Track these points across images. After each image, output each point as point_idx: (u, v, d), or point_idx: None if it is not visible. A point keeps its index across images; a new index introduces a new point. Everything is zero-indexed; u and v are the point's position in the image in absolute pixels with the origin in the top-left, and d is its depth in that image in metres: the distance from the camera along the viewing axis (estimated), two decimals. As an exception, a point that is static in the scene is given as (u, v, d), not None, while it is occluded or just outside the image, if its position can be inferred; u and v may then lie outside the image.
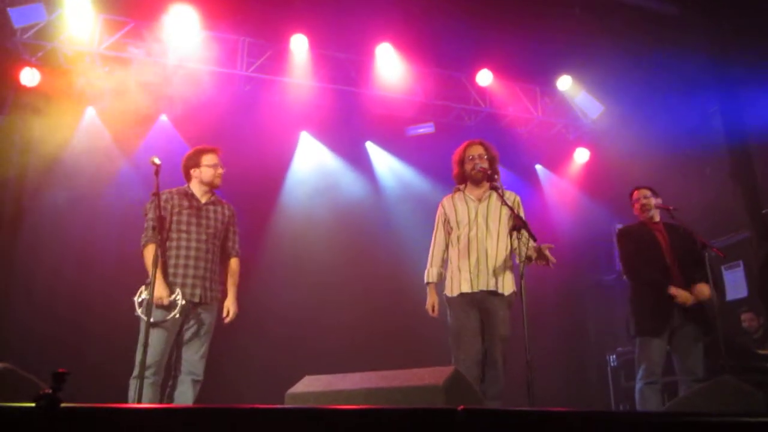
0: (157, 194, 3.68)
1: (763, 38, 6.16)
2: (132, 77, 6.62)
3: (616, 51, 6.82)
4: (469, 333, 3.65)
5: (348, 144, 7.77)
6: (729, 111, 6.70)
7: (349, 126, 7.60)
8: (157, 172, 3.66)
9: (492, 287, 3.70)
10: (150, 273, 3.55)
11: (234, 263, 4.09)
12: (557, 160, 8.41)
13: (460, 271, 3.78)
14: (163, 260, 3.73)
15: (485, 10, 6.62)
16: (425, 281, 3.91)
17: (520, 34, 6.91)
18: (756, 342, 5.83)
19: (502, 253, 3.79)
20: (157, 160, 3.65)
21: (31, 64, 6.28)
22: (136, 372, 3.52)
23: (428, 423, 1.35)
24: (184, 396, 3.62)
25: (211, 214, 3.94)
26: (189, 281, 3.73)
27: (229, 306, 3.90)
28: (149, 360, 3.51)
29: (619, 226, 5.28)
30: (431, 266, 3.92)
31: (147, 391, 3.49)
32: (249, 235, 6.89)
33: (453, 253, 3.88)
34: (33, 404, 1.13)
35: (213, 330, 3.88)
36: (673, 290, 4.12)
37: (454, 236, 3.89)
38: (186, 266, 3.77)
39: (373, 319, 6.77)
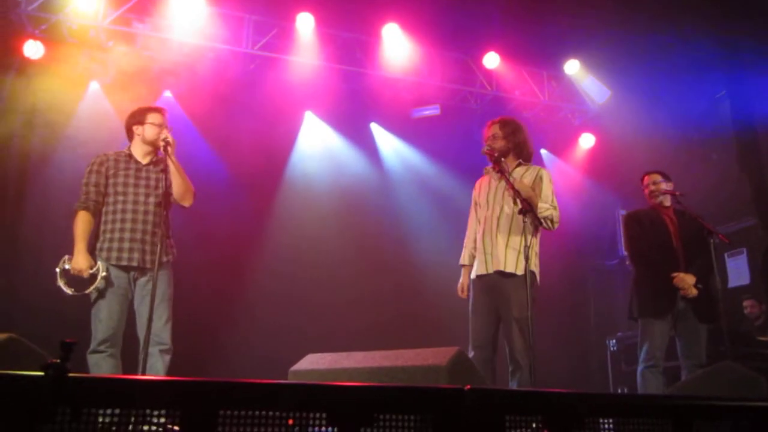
0: (165, 170, 3.62)
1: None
2: (136, 52, 6.57)
3: (623, 35, 6.75)
4: (476, 320, 3.70)
5: (353, 125, 7.73)
6: (737, 96, 6.65)
7: (354, 106, 7.55)
8: (165, 148, 3.64)
9: (503, 267, 3.64)
10: (75, 241, 3.49)
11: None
12: (562, 145, 8.36)
13: (478, 253, 3.81)
14: (97, 227, 3.61)
15: (493, -9, 6.54)
16: (460, 263, 3.98)
17: (527, 17, 6.82)
18: (758, 329, 5.85)
19: (516, 234, 3.66)
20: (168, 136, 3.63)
21: (35, 37, 6.22)
22: (93, 345, 3.46)
23: (436, 401, 1.35)
24: (154, 369, 3.45)
25: (153, 175, 3.71)
26: (126, 245, 3.55)
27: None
28: (103, 333, 3.44)
29: (623, 212, 5.27)
30: (465, 248, 3.98)
31: (107, 364, 3.42)
32: (253, 214, 6.93)
33: (478, 235, 3.87)
34: (41, 373, 1.14)
35: (173, 295, 3.69)
36: (679, 278, 4.13)
37: (478, 216, 3.92)
38: (122, 230, 3.58)
39: (378, 300, 6.79)
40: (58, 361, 1.16)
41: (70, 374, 1.15)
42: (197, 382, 1.21)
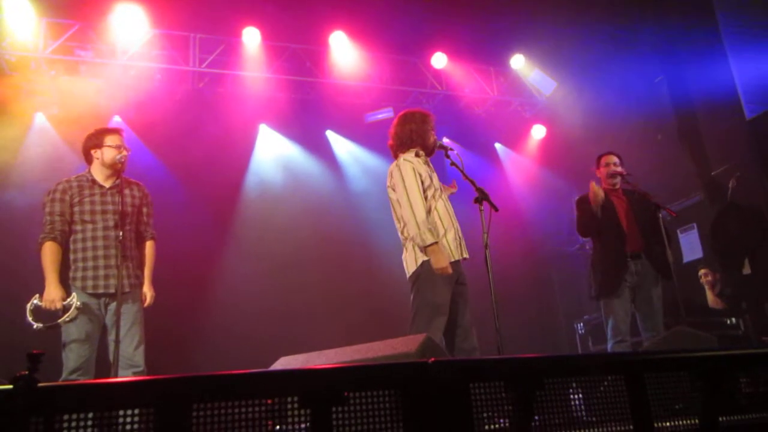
0: (121, 190, 3.63)
1: (700, 6, 6.40)
2: (81, 80, 6.48)
3: (564, 27, 6.98)
4: (443, 311, 3.40)
5: (308, 133, 7.78)
6: (674, 79, 6.94)
7: (307, 115, 7.61)
8: (121, 169, 3.68)
9: (467, 253, 3.60)
10: (45, 273, 3.43)
11: (149, 247, 3.87)
12: (515, 138, 8.58)
13: (448, 239, 3.49)
14: (65, 257, 3.55)
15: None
16: (429, 242, 3.32)
17: (470, 16, 6.99)
18: (719, 296, 6.03)
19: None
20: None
21: (-28, 73, 6.09)
22: (65, 375, 3.42)
23: (402, 376, 1.41)
24: None
25: (118, 198, 3.65)
26: (101, 273, 3.53)
27: (146, 291, 3.73)
28: (75, 362, 3.40)
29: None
30: (427, 226, 3.34)
31: None
32: (213, 229, 6.89)
33: (444, 214, 3.54)
34: (11, 386, 1.15)
35: (143, 316, 3.68)
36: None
37: (432, 201, 3.53)
38: (95, 257, 3.54)
39: (346, 302, 6.86)
40: (26, 372, 1.17)
41: (40, 384, 1.17)
42: (168, 379, 1.24)
